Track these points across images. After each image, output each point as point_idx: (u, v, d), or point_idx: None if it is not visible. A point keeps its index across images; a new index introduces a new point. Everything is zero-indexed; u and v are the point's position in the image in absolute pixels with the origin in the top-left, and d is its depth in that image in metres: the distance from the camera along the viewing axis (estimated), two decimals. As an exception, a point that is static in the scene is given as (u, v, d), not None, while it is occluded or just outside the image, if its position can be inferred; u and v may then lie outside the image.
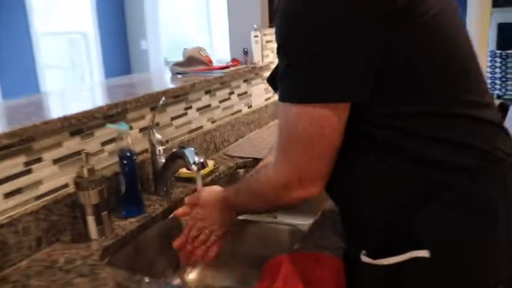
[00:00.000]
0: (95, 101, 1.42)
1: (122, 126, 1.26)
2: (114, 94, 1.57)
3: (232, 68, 2.01)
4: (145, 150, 1.47)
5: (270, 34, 2.36)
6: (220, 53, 6.28)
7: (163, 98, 1.39)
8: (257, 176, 0.94)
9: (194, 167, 1.20)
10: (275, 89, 0.94)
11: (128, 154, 1.26)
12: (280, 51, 0.78)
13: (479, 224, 0.77)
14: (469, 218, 0.76)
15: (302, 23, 0.71)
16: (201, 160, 1.21)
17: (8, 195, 1.07)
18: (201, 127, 1.80)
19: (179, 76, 1.91)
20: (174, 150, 1.32)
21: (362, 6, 0.68)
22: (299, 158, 0.78)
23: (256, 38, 2.20)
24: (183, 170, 1.50)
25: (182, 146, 1.29)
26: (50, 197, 1.17)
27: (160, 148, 1.40)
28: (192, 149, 1.26)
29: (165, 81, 1.89)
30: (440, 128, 0.76)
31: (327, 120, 0.74)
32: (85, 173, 1.14)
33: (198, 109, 1.77)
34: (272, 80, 0.99)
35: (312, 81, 0.73)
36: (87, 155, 1.15)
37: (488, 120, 0.80)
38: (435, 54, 0.76)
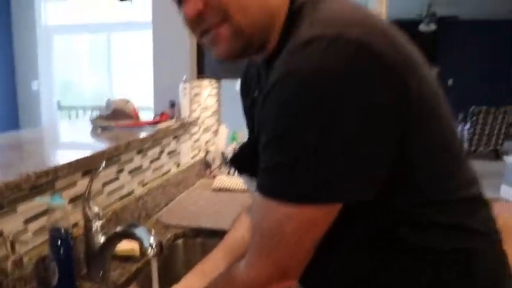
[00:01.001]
0: (16, 167, 1.14)
1: (57, 201, 1.01)
2: (35, 157, 1.29)
3: (164, 124, 1.81)
4: (75, 224, 1.21)
5: (199, 86, 2.21)
6: (120, 96, 5.99)
7: (103, 163, 1.16)
8: (227, 278, 0.80)
9: (151, 251, 0.99)
10: (240, 172, 0.89)
11: (63, 234, 1.01)
12: (271, 143, 0.66)
13: None
14: None
15: (308, 118, 0.61)
16: (157, 241, 1.01)
17: None
18: (133, 192, 1.57)
19: (99, 131, 1.68)
20: (118, 229, 1.09)
21: (364, 107, 0.61)
22: (283, 260, 0.70)
23: (185, 91, 2.04)
24: (120, 247, 1.26)
25: (132, 224, 1.06)
26: (-43, 297, 0.87)
27: (97, 223, 1.16)
28: (144, 228, 1.05)
29: (88, 137, 1.64)
30: (445, 214, 0.72)
31: (320, 221, 0.67)
32: (9, 267, 0.87)
33: (130, 171, 1.55)
34: (237, 162, 0.88)
35: (311, 181, 0.63)
36: (13, 242, 0.89)
37: (482, 199, 0.78)
38: (438, 147, 0.71)
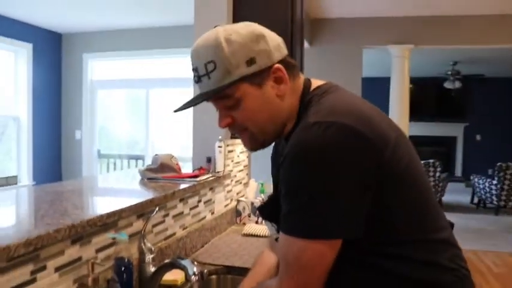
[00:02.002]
0: (92, 208, 1.45)
1: (122, 236, 1.30)
2: (102, 201, 1.60)
3: (202, 177, 2.11)
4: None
5: (232, 144, 2.52)
6: (158, 147, 6.39)
7: (156, 208, 1.46)
8: None
9: (194, 278, 1.26)
10: (265, 218, 1.19)
11: (126, 262, 1.29)
12: (288, 195, 0.93)
13: None
14: None
15: (310, 178, 0.89)
16: (199, 270, 1.27)
17: (13, 305, 1.05)
18: (174, 233, 1.85)
19: (147, 181, 1.99)
20: (168, 260, 1.37)
21: (353, 165, 0.89)
22: (304, 281, 0.92)
23: (220, 148, 2.35)
24: (165, 277, 1.53)
25: (179, 257, 1.34)
26: (49, 306, 1.16)
27: (150, 256, 1.44)
28: (189, 260, 1.32)
29: (139, 186, 1.94)
30: (419, 251, 0.96)
31: (326, 252, 0.91)
32: (89, 282, 1.16)
33: (174, 216, 1.84)
34: (263, 211, 1.19)
35: (317, 222, 0.89)
36: (93, 263, 1.18)
37: (451, 242, 1.02)
38: (412, 198, 0.97)
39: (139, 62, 6.65)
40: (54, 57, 6.67)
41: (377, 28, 5.45)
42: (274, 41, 1.02)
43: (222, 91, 0.97)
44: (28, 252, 1.06)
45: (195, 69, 1.01)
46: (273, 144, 1.29)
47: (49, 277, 1.16)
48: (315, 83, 1.07)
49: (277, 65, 1.00)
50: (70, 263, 1.23)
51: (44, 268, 1.14)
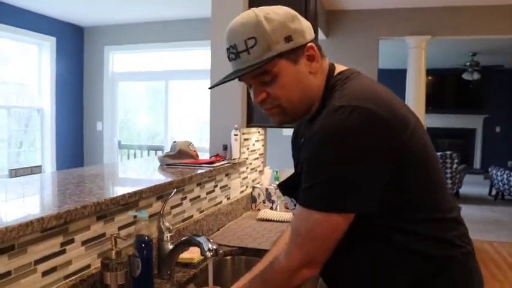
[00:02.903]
0: (115, 189, 1.57)
1: (143, 214, 1.40)
2: (124, 183, 1.71)
3: (218, 163, 2.21)
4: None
5: (248, 133, 2.61)
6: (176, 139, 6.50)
7: (174, 190, 1.56)
8: (271, 266, 1.11)
9: (209, 254, 1.35)
10: (284, 194, 1.27)
11: (146, 239, 1.39)
12: (309, 172, 1.00)
13: None
14: None
15: (331, 156, 0.96)
16: (214, 247, 1.37)
17: (45, 273, 1.16)
18: (192, 216, 1.95)
19: (166, 166, 2.09)
20: (185, 237, 1.47)
21: (374, 147, 0.96)
22: (312, 252, 1.01)
23: (236, 136, 2.44)
24: (182, 256, 1.63)
25: (195, 234, 1.43)
26: (77, 276, 1.27)
27: (168, 235, 1.54)
28: (204, 237, 1.41)
29: (158, 171, 2.05)
30: (431, 228, 1.04)
31: (340, 225, 0.99)
32: (113, 255, 1.26)
33: (191, 200, 1.94)
34: (283, 187, 1.26)
35: (336, 196, 0.96)
36: (116, 238, 1.28)
37: (460, 221, 1.10)
38: (427, 178, 1.04)
39: (159, 55, 6.77)
40: (76, 50, 6.83)
41: (393, 19, 5.45)
42: (305, 22, 1.08)
43: (262, 66, 1.02)
44: (59, 225, 1.17)
45: (232, 47, 1.05)
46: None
47: (77, 249, 1.27)
48: (338, 68, 1.14)
49: (310, 44, 1.07)
50: (95, 238, 1.34)
51: (72, 241, 1.25)
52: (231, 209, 2.36)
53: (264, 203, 2.62)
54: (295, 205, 1.17)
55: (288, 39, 1.03)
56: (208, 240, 1.40)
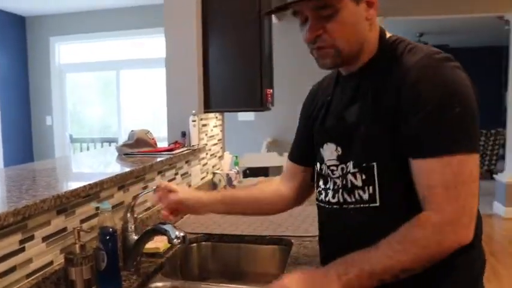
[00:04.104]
0: (75, 181, 1.50)
1: (105, 205, 1.36)
2: (84, 175, 1.65)
3: (178, 150, 2.17)
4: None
5: (206, 119, 2.58)
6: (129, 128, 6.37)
7: (153, 188, 1.51)
8: (412, 224, 0.95)
9: (176, 241, 1.33)
10: (295, 162, 1.40)
11: (110, 231, 1.35)
12: (437, 111, 0.94)
13: None
14: None
15: (466, 93, 0.96)
16: (182, 234, 1.34)
17: (4, 274, 1.11)
18: (154, 206, 1.91)
19: (124, 156, 2.04)
20: (151, 226, 1.43)
21: (473, 100, 0.97)
22: (466, 198, 0.92)
23: (194, 122, 2.40)
24: (148, 246, 1.60)
25: (161, 223, 1.40)
26: (39, 274, 1.21)
27: (132, 225, 1.50)
28: (170, 224, 1.38)
29: (117, 162, 1.99)
30: None
31: (476, 167, 0.94)
32: (77, 250, 1.22)
33: (154, 188, 1.89)
34: (296, 156, 1.40)
35: (473, 137, 0.95)
36: (79, 231, 1.23)
37: None
38: None
39: (108, 44, 6.58)
40: (18, 41, 6.53)
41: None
42: None
43: None
44: (16, 222, 1.11)
45: None
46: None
47: (37, 246, 1.21)
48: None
49: None
50: (56, 233, 1.29)
51: (32, 238, 1.19)
52: (193, 196, 2.32)
53: (225, 188, 2.61)
54: (338, 158, 1.10)
55: None
56: (175, 227, 1.37)
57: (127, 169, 1.67)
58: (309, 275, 1.01)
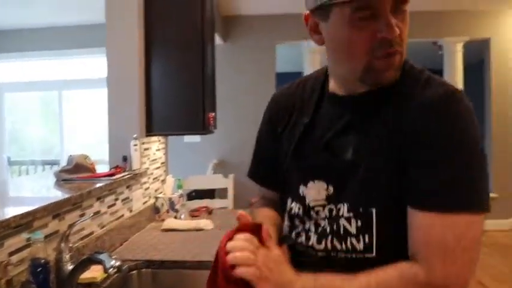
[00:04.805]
0: (5, 210, 1.44)
1: (37, 235, 1.32)
2: (16, 203, 1.59)
3: (118, 175, 2.13)
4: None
5: (148, 142, 2.55)
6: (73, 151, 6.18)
7: (91, 214, 1.48)
8: (400, 276, 0.84)
9: (112, 271, 1.30)
10: (260, 183, 1.18)
11: (42, 262, 1.31)
12: (444, 165, 0.82)
13: None
14: None
15: (476, 142, 0.84)
16: (118, 264, 1.32)
17: None
18: (92, 233, 1.86)
19: (63, 182, 1.99)
20: (86, 256, 1.40)
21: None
22: (463, 265, 0.81)
23: (136, 147, 2.37)
24: (84, 276, 1.55)
25: (97, 252, 1.37)
26: (-38, 311, 1.16)
27: (67, 255, 1.46)
28: (107, 253, 1.36)
29: (54, 188, 1.93)
30: None
31: (483, 225, 0.83)
32: (2, 285, 1.17)
33: (91, 215, 1.85)
34: (256, 174, 1.18)
35: (484, 193, 0.82)
36: (6, 265, 1.19)
37: None
38: None
39: (50, 63, 6.40)
40: (-46, 59, 6.25)
41: (289, 24, 5.63)
42: None
43: None
44: None
45: None
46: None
47: (-39, 282, 1.16)
48: None
49: None
50: (-18, 267, 1.23)
51: (-45, 273, 1.14)
52: (134, 222, 2.29)
53: (168, 212, 2.58)
54: (326, 198, 0.95)
55: None
56: (111, 256, 1.34)
57: (63, 196, 1.63)
58: (282, 272, 0.86)
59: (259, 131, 1.19)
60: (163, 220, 2.51)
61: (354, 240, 0.90)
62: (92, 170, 2.12)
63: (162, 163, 2.82)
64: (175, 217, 2.55)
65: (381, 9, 0.83)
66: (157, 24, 2.51)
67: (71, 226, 1.52)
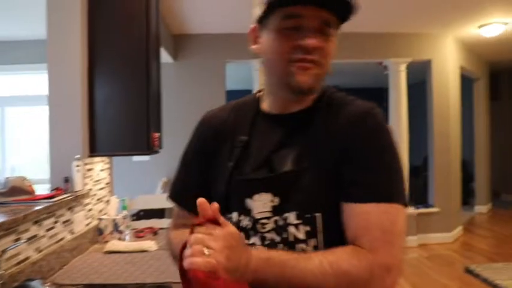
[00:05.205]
0: None
1: (-35, 264, 1.26)
2: None
3: (58, 198, 2.08)
4: (-23, 286, 1.44)
5: (91, 163, 2.50)
6: (14, 170, 5.97)
7: (22, 241, 1.42)
8: (350, 256, 0.91)
9: (44, 299, 1.27)
10: (183, 206, 1.14)
11: (-30, 292, 1.25)
12: (386, 163, 0.97)
13: None
14: None
15: (396, 150, 0.99)
16: (51, 291, 1.29)
17: None
18: (28, 258, 1.80)
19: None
20: (17, 284, 1.35)
21: None
22: (398, 247, 0.93)
23: (78, 168, 2.33)
24: (17, 304, 1.50)
25: (29, 279, 1.33)
26: None
27: (-2, 283, 1.41)
28: (39, 280, 1.32)
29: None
30: None
31: (405, 219, 0.97)
32: None
33: (27, 240, 1.79)
34: (181, 197, 1.15)
35: (403, 189, 0.98)
36: None
37: None
38: None
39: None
40: None
41: (239, 43, 5.69)
42: None
43: (352, 9, 0.95)
44: None
45: None
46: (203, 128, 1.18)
47: None
48: None
49: None
50: None
51: None
52: (76, 244, 2.23)
53: (112, 234, 2.53)
54: (273, 209, 0.99)
55: (350, 14, 0.99)
56: (44, 284, 1.31)
57: (-4, 221, 1.57)
58: (237, 257, 0.84)
59: (185, 153, 1.19)
60: (106, 242, 2.46)
61: (303, 246, 0.97)
62: (30, 192, 2.06)
63: (106, 183, 2.77)
64: (119, 238, 2.51)
65: (304, 23, 0.94)
66: (101, 40, 2.48)
67: (3, 251, 1.46)
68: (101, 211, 2.65)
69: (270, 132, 1.06)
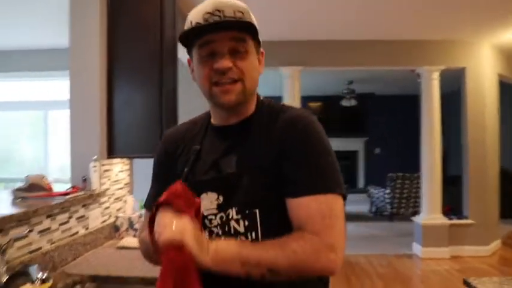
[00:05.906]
0: None
1: (-29, 248, 1.43)
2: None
3: (72, 195, 2.25)
4: (-13, 270, 1.61)
5: (109, 164, 2.68)
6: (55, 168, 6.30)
7: (27, 230, 1.58)
8: (298, 238, 1.03)
9: (38, 282, 1.41)
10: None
11: (-26, 273, 1.42)
12: (318, 156, 1.09)
13: None
14: None
15: (328, 144, 1.13)
16: (44, 276, 1.43)
17: None
18: (40, 248, 1.97)
19: (21, 200, 2.10)
20: (17, 268, 1.51)
21: None
22: (340, 230, 1.04)
23: (95, 168, 2.50)
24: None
25: (26, 264, 1.49)
26: None
27: (3, 268, 1.57)
28: (35, 266, 1.47)
29: (7, 205, 2.05)
30: None
31: (344, 206, 1.08)
32: None
33: (39, 232, 1.96)
34: (147, 205, 1.29)
35: (339, 180, 1.09)
36: None
37: None
38: None
39: (37, 84, 6.56)
40: None
41: (267, 50, 5.80)
42: None
43: (249, 28, 1.09)
44: None
45: (219, 10, 1.08)
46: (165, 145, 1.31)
47: None
48: None
49: (262, 49, 1.20)
50: None
51: None
52: (90, 239, 2.40)
53: (127, 231, 2.69)
54: (219, 205, 1.13)
55: (257, 33, 1.14)
56: (40, 269, 1.45)
57: (7, 213, 1.75)
58: (197, 235, 1.00)
59: (153, 166, 1.32)
60: (121, 238, 2.63)
61: (243, 238, 1.10)
62: (47, 189, 2.24)
63: (126, 184, 2.94)
64: (134, 236, 2.66)
65: (217, 49, 1.09)
66: (119, 48, 2.65)
67: (10, 240, 1.62)
68: (119, 209, 2.82)
69: (216, 142, 1.21)
